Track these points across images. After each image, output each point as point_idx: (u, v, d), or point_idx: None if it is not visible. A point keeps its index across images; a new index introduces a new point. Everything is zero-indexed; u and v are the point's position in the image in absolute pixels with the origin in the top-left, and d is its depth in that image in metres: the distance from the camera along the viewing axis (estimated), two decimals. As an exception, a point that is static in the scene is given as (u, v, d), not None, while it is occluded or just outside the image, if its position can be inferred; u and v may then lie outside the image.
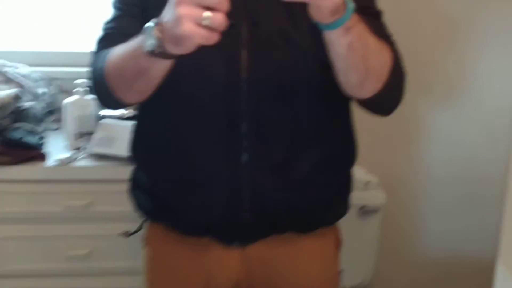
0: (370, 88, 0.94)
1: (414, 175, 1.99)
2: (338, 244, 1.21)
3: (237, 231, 1.07)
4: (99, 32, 1.09)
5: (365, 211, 1.75)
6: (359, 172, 1.68)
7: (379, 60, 0.92)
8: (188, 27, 0.75)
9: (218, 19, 0.75)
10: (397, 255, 2.04)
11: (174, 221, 1.10)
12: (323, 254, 1.17)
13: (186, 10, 0.75)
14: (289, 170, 1.04)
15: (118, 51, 0.96)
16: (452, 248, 2.04)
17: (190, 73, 0.99)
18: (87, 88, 1.68)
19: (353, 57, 0.88)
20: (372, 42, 0.90)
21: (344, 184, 1.16)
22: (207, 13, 0.75)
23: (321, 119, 1.06)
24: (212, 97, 1.00)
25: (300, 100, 1.02)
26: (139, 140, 1.14)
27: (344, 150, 1.13)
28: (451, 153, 1.97)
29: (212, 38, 0.76)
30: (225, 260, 1.11)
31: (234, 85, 0.99)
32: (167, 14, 0.80)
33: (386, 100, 0.99)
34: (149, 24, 0.83)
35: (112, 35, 1.05)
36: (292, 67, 1.00)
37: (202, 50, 0.84)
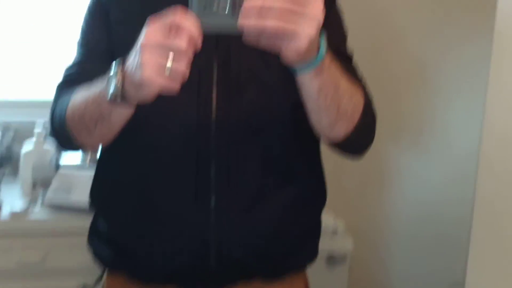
0: (341, 130, 0.94)
1: (383, 218, 1.97)
2: None
3: (202, 278, 1.03)
4: (60, 78, 1.06)
5: (333, 260, 1.72)
6: (326, 218, 1.66)
7: (351, 103, 0.92)
8: (148, 75, 0.75)
9: (179, 70, 0.75)
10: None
11: (136, 269, 1.05)
12: None
13: (148, 56, 0.74)
14: (259, 213, 1.02)
15: (79, 96, 0.94)
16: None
17: (159, 115, 0.98)
18: (45, 136, 1.64)
19: (324, 100, 0.88)
20: (344, 84, 0.90)
21: (314, 227, 1.14)
22: (169, 63, 0.74)
23: (292, 160, 1.04)
24: (181, 139, 0.98)
25: (270, 140, 1.01)
26: (100, 184, 1.10)
27: (315, 192, 1.11)
28: (421, 195, 1.97)
29: (172, 88, 0.76)
30: None
31: (205, 126, 0.98)
32: (131, 57, 0.79)
33: (357, 142, 0.99)
34: (113, 68, 0.82)
35: (74, 81, 1.02)
36: (262, 107, 1.00)
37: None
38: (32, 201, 1.61)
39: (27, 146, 1.66)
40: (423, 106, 1.93)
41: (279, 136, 1.02)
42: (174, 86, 0.76)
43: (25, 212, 1.54)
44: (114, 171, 1.08)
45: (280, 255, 1.06)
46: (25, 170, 1.63)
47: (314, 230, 1.14)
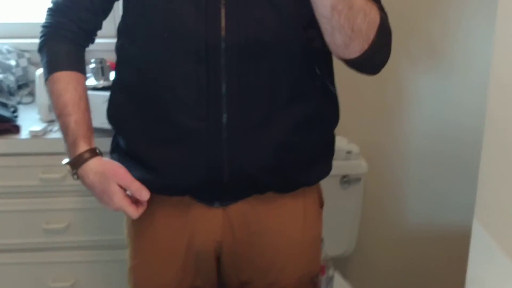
0: (356, 48, 0.94)
1: (394, 145, 1.97)
2: (320, 203, 1.21)
3: (217, 191, 1.08)
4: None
5: (347, 180, 1.74)
6: (340, 142, 1.67)
7: (365, 21, 0.92)
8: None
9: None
10: (379, 227, 2.02)
11: (154, 183, 1.09)
12: (305, 212, 1.16)
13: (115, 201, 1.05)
14: (269, 130, 1.04)
15: (56, 96, 1.09)
16: (432, 220, 2.02)
17: (170, 34, 1.00)
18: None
19: (338, 18, 0.88)
20: (358, 2, 0.90)
21: (326, 144, 1.15)
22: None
23: (301, 79, 1.05)
24: (193, 57, 1.00)
25: (279, 59, 1.02)
26: (116, 104, 1.13)
27: (325, 110, 1.12)
28: (432, 120, 1.94)
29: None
30: (207, 219, 1.11)
31: (215, 44, 0.99)
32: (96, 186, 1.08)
33: (373, 59, 0.99)
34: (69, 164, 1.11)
35: (63, 11, 1.11)
36: (271, 26, 1.00)
37: (181, 10, 0.92)
38: (49, 122, 1.62)
39: (42, 69, 1.65)
40: (438, 25, 1.86)
41: (288, 56, 1.02)
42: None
43: (43, 132, 1.57)
44: (129, 91, 1.10)
45: (291, 170, 1.09)
46: (41, 93, 1.63)
47: (326, 147, 1.16)
